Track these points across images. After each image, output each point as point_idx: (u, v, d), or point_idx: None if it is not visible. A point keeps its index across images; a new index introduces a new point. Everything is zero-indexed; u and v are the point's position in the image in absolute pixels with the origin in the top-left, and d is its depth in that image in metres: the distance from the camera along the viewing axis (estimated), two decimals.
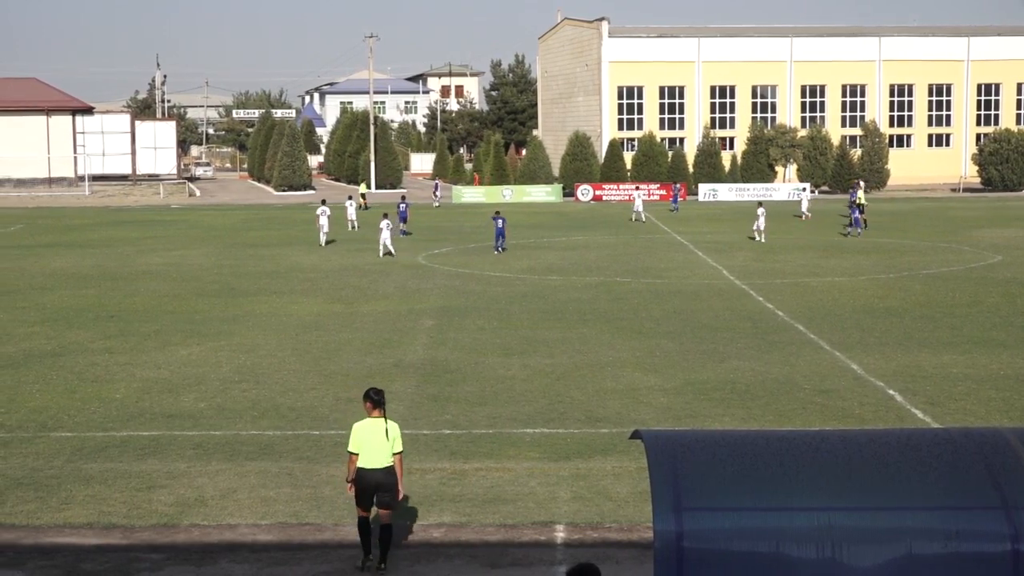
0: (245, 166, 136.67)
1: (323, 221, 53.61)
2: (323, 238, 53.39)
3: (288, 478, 17.23)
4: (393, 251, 48.32)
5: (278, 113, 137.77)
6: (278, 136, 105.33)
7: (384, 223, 48.67)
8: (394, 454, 13.72)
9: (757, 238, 53.24)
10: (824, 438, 8.13)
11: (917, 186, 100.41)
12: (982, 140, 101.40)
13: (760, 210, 54.28)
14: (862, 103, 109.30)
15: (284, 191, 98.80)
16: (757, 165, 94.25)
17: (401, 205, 60.06)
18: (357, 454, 13.68)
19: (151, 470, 17.85)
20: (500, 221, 49.78)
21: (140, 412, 21.52)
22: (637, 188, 79.51)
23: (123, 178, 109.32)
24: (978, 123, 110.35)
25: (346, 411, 21.44)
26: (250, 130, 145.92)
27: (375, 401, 13.80)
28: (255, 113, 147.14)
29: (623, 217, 70.29)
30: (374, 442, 13.63)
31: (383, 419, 13.75)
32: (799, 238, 55.41)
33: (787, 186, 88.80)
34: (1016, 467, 7.68)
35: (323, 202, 59.34)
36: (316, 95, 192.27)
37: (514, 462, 18.10)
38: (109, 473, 17.69)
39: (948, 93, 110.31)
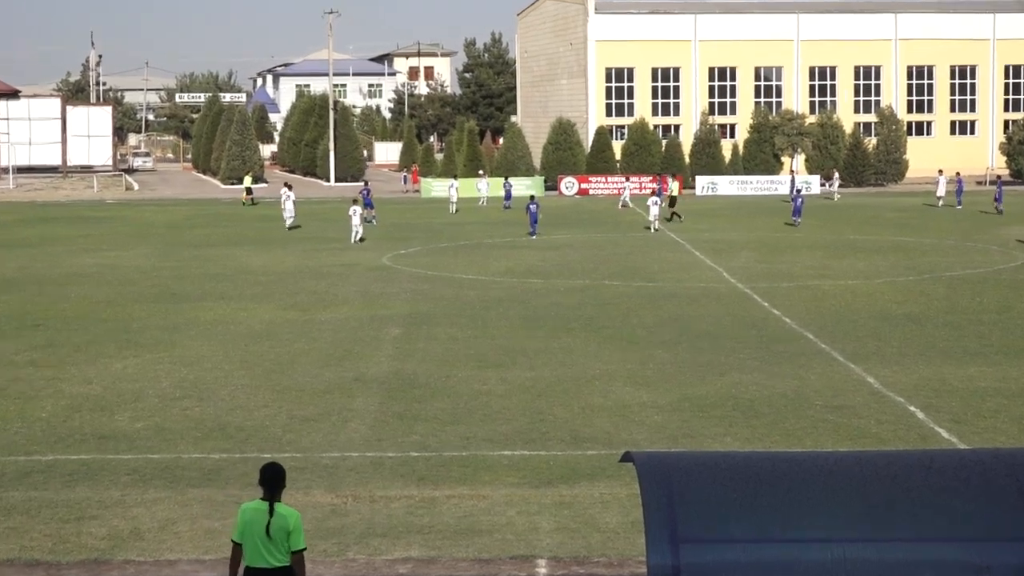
0: (189, 156, 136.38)
1: (288, 207, 60.97)
2: (288, 221, 60.53)
3: (235, 508, 17.07)
4: (362, 236, 53.77)
5: (226, 97, 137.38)
6: (226, 123, 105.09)
7: (354, 208, 54.32)
8: (292, 552, 11.55)
9: (652, 228, 58.24)
10: (837, 460, 8.08)
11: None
12: (1010, 127, 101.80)
13: (653, 199, 60.19)
14: (877, 86, 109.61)
15: (233, 184, 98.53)
16: (761, 155, 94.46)
17: (363, 191, 64.52)
18: (240, 544, 11.63)
19: (80, 499, 17.71)
20: (534, 206, 56.32)
21: (69, 433, 21.38)
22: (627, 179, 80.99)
23: (52, 170, 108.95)
24: (1006, 108, 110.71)
25: (301, 431, 21.35)
26: (195, 116, 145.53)
27: (261, 479, 11.81)
28: (201, 97, 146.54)
29: (611, 213, 70.36)
30: (256, 532, 11.55)
31: (268, 504, 11.62)
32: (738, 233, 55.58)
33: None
34: None
35: (288, 187, 64.01)
36: (269, 77, 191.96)
37: (490, 488, 18.04)
38: (32, 502, 17.54)
39: (972, 75, 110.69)
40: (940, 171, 76.76)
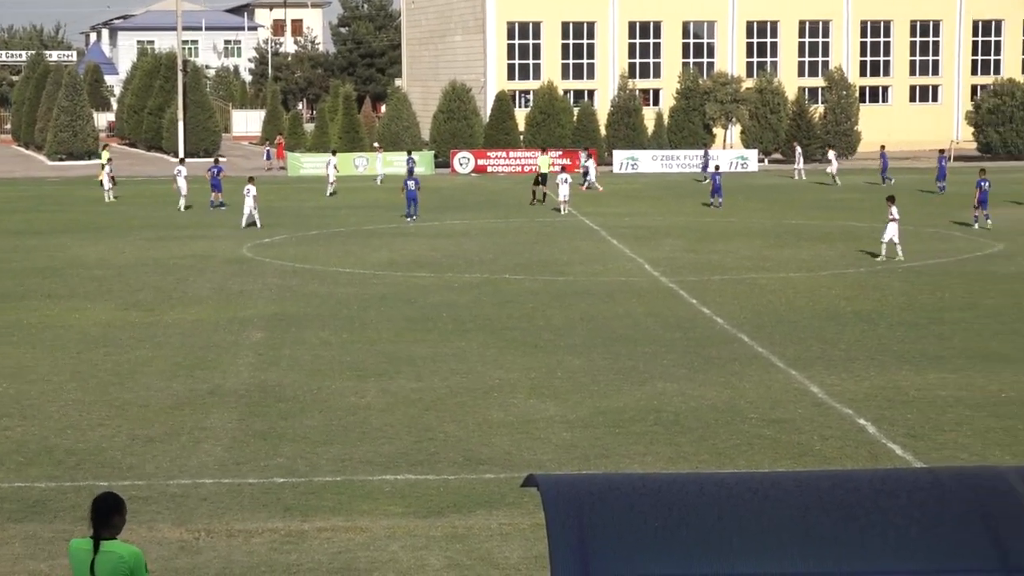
0: (7, 127, 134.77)
1: (180, 182, 62.72)
2: (182, 202, 62.49)
3: (65, 546, 16.95)
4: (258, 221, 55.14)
5: (53, 56, 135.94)
6: (53, 87, 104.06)
7: (248, 188, 55.57)
8: None
9: (563, 211, 59.75)
10: (775, 483, 8.17)
11: (897, 152, 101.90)
12: (979, 94, 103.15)
13: (562, 176, 61.99)
14: (825, 45, 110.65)
15: (61, 160, 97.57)
16: (690, 126, 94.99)
17: (213, 169, 65.09)
18: None
19: None
20: (412, 183, 57.55)
21: None
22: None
23: None
24: (973, 71, 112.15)
25: (144, 454, 21.20)
26: (15, 78, 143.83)
27: (91, 513, 11.70)
28: (22, 56, 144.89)
29: (512, 194, 70.42)
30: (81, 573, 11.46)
31: (91, 542, 11.55)
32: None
33: (728, 153, 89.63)
34: (1021, 517, 7.78)
35: (181, 161, 67.94)
36: (105, 32, 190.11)
37: (369, 519, 18.05)
38: None
39: (936, 33, 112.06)
40: (830, 146, 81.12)
